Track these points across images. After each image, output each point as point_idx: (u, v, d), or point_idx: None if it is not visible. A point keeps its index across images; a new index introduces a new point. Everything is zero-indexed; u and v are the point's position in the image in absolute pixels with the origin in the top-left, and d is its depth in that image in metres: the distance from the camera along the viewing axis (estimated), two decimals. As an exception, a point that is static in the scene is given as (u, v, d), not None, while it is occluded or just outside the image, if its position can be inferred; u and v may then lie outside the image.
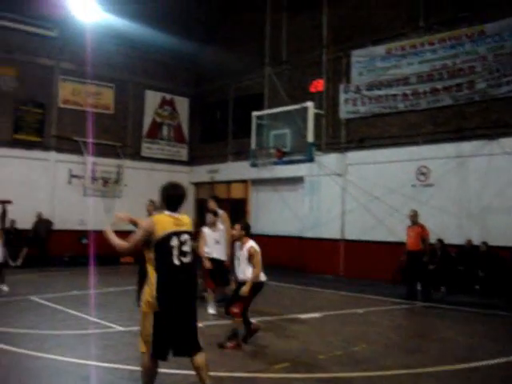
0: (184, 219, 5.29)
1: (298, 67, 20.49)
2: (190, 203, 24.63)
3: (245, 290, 7.67)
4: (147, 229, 5.06)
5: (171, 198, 5.31)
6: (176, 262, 5.05)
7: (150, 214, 11.23)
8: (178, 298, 5.07)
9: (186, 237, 5.18)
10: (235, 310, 7.80)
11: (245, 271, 7.92)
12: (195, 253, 5.37)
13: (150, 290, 5.04)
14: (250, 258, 7.84)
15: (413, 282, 13.75)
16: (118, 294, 13.50)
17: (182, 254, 5.11)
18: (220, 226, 10.82)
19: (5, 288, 13.08)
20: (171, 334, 5.07)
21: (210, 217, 10.86)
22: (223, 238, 10.70)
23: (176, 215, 5.25)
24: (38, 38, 20.66)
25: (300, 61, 20.39)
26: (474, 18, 15.59)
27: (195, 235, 7.31)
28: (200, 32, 23.90)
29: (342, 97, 18.69)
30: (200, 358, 5.20)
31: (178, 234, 5.12)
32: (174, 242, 5.07)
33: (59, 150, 21.14)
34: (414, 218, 13.84)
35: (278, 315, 10.64)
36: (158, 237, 5.03)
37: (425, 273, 13.83)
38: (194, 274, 5.35)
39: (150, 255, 5.07)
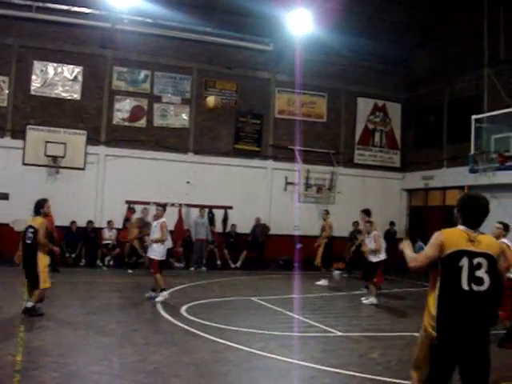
0: (484, 239, 4.42)
1: (519, 66, 19.20)
2: (402, 210, 24.31)
3: None
4: (437, 246, 4.38)
5: (468, 210, 4.53)
6: (465, 287, 4.24)
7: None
8: (464, 330, 4.25)
9: (480, 260, 4.30)
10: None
11: None
12: (497, 281, 4.38)
13: (429, 316, 4.41)
14: None
15: None
16: (333, 299, 13.76)
17: (474, 279, 4.25)
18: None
19: None
20: (451, 367, 4.36)
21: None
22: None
23: (473, 232, 4.42)
24: (256, 53, 21.77)
25: (522, 59, 19.11)
26: None
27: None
28: (411, 36, 23.41)
29: None
30: None
31: (470, 254, 4.30)
32: (464, 263, 4.27)
33: (276, 158, 22.03)
34: None
35: None
36: (443, 255, 4.33)
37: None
38: (490, 306, 4.38)
39: (435, 275, 4.42)
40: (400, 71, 24.41)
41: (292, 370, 7.07)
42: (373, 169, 23.75)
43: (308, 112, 22.75)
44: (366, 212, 14.16)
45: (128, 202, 19.27)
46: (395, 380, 6.49)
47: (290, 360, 7.44)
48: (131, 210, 19.01)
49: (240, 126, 21.62)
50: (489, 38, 20.25)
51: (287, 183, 21.91)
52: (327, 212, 17.63)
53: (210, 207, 20.38)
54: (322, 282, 16.12)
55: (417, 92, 24.18)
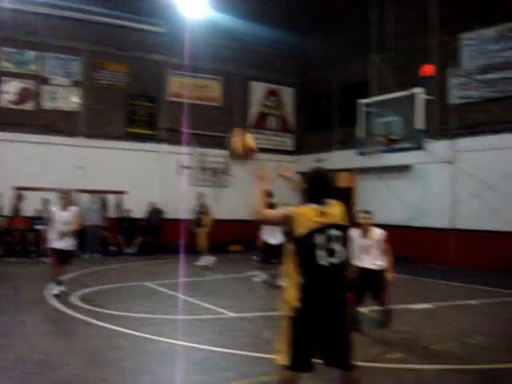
0: (333, 210, 4.46)
1: (404, 53, 20.03)
2: (296, 193, 24.78)
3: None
4: (285, 216, 4.47)
5: (315, 185, 4.56)
6: (321, 262, 4.28)
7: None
8: (323, 303, 4.31)
9: (333, 232, 4.36)
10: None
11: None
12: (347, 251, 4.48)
13: (289, 291, 4.39)
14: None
15: None
16: (228, 281, 13.91)
17: (329, 252, 4.31)
18: None
19: None
20: (313, 342, 4.35)
21: None
22: None
23: (321, 207, 4.43)
24: (148, 35, 21.43)
25: (406, 46, 19.93)
26: None
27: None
28: (304, 22, 23.93)
29: (451, 81, 18.13)
30: (350, 377, 4.45)
31: (322, 229, 4.33)
32: (318, 239, 4.30)
33: (170, 142, 21.85)
34: None
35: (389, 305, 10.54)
36: (296, 233, 4.35)
37: None
38: (344, 276, 4.48)
39: (291, 248, 4.42)
40: (293, 56, 24.84)
41: (186, 353, 7.09)
42: (267, 152, 24.02)
43: (202, 95, 22.75)
44: (268, 194, 13.98)
45: (17, 189, 18.51)
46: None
47: (184, 343, 7.47)
48: (19, 197, 18.30)
49: (133, 109, 21.31)
50: (376, 26, 20.99)
51: (182, 167, 21.82)
52: (203, 195, 17.53)
53: (103, 192, 19.96)
54: (204, 262, 16.48)
55: (309, 77, 24.74)
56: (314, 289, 4.29)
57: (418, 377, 6.35)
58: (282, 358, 4.36)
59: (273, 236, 12.99)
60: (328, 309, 4.31)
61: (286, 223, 4.47)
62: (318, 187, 4.54)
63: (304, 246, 4.32)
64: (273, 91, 24.69)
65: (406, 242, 18.82)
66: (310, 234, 4.29)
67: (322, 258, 4.28)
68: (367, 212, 8.66)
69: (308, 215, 4.37)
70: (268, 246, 13.15)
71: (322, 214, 4.38)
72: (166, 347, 7.35)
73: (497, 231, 16.42)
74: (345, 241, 4.43)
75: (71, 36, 20.22)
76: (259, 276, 13.38)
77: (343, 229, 4.45)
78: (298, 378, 4.43)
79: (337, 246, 4.34)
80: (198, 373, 6.32)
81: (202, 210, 16.97)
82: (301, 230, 4.32)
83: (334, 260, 4.32)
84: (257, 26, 21.31)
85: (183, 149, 21.71)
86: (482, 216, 16.98)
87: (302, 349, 4.33)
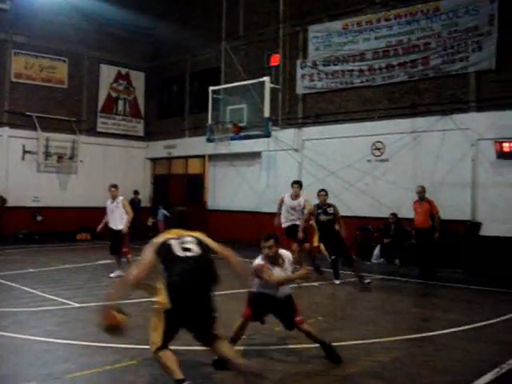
0: (191, 232, 5.30)
1: (254, 42, 20.37)
2: (146, 179, 24.57)
3: None
4: (151, 250, 5.09)
5: (172, 220, 5.64)
6: (179, 253, 5.00)
7: (113, 198, 12.44)
8: (187, 289, 4.92)
9: (187, 239, 5.17)
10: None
11: None
12: (207, 248, 5.25)
13: (160, 292, 4.92)
14: None
15: (426, 260, 13.15)
16: (74, 271, 13.44)
17: (185, 249, 5.05)
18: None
19: None
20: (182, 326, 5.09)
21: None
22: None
23: (179, 230, 5.30)
24: (-12, 11, 20.08)
25: (257, 35, 20.28)
26: (429, -6, 15.76)
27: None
28: (156, 5, 23.61)
29: (299, 72, 18.71)
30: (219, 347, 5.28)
31: (175, 238, 5.15)
32: (173, 242, 5.08)
33: (12, 125, 20.66)
34: (422, 193, 13.20)
35: (232, 289, 10.61)
36: (156, 246, 5.08)
37: (433, 250, 13.19)
38: (204, 264, 5.09)
39: (156, 260, 5.03)
40: (144, 40, 24.47)
41: (24, 346, 6.77)
42: (116, 137, 23.58)
43: (48, 77, 21.74)
44: (136, 192, 13.34)
45: None
46: (128, 346, 6.57)
47: (22, 336, 7.13)
48: None
49: (-29, 90, 19.92)
50: (228, 14, 21.15)
51: (25, 152, 20.76)
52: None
53: None
54: None
55: (161, 62, 24.48)
56: (177, 278, 4.87)
57: (259, 357, 6.51)
58: (154, 346, 4.90)
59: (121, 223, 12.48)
60: (193, 299, 4.95)
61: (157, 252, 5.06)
62: (175, 221, 5.56)
63: (162, 249, 5.04)
64: (122, 75, 24.13)
65: (256, 228, 19.22)
66: (166, 240, 5.10)
67: (178, 251, 5.01)
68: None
69: (164, 235, 5.23)
70: (117, 234, 12.48)
71: (179, 233, 5.24)
72: (2, 341, 6.96)
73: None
74: (200, 243, 5.19)
75: None
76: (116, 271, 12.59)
77: (197, 238, 5.23)
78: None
79: (191, 245, 5.09)
80: (36, 366, 6.04)
81: None
82: (158, 241, 5.13)
83: (190, 254, 5.03)
84: (107, 6, 20.79)
85: (27, 133, 20.70)
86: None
87: (171, 331, 5.00)
